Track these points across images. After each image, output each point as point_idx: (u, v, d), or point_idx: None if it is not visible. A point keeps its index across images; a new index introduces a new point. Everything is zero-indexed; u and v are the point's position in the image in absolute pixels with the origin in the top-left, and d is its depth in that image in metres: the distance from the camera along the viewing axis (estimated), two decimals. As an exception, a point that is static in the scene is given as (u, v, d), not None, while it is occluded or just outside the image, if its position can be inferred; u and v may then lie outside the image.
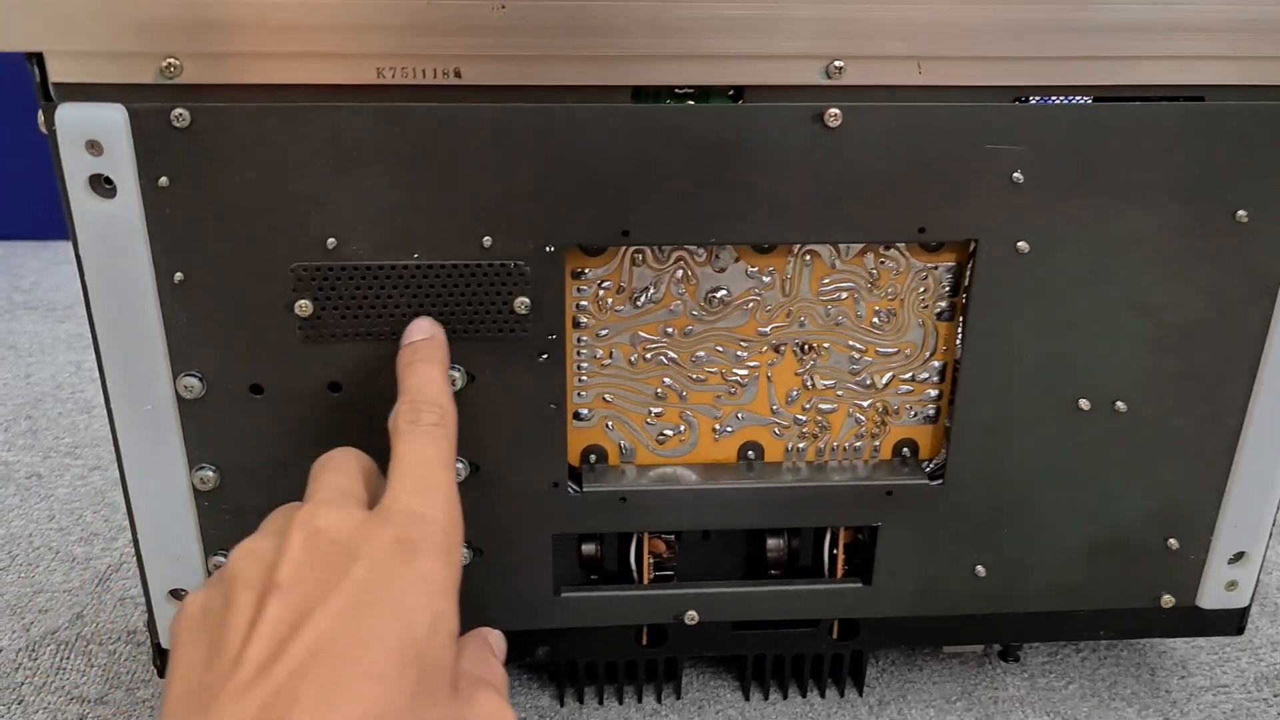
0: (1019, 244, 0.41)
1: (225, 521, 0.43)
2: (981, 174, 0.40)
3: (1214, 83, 0.39)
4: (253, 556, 0.33)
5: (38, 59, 0.36)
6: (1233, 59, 0.39)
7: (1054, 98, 0.40)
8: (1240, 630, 0.49)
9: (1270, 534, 0.47)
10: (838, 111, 0.38)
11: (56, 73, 0.36)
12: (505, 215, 0.39)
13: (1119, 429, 0.44)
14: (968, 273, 0.43)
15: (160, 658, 0.46)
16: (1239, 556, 0.47)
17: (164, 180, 0.38)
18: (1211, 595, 0.48)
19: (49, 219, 1.20)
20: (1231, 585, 0.48)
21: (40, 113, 0.37)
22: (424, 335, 0.40)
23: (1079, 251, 0.41)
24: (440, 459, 0.36)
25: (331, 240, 0.39)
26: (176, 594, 0.45)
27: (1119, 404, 0.44)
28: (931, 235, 0.41)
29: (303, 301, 0.40)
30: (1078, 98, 0.40)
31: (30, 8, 0.35)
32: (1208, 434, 0.45)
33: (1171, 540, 0.47)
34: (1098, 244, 0.41)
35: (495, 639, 0.39)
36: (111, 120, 0.37)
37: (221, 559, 0.44)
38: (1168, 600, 0.48)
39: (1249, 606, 0.49)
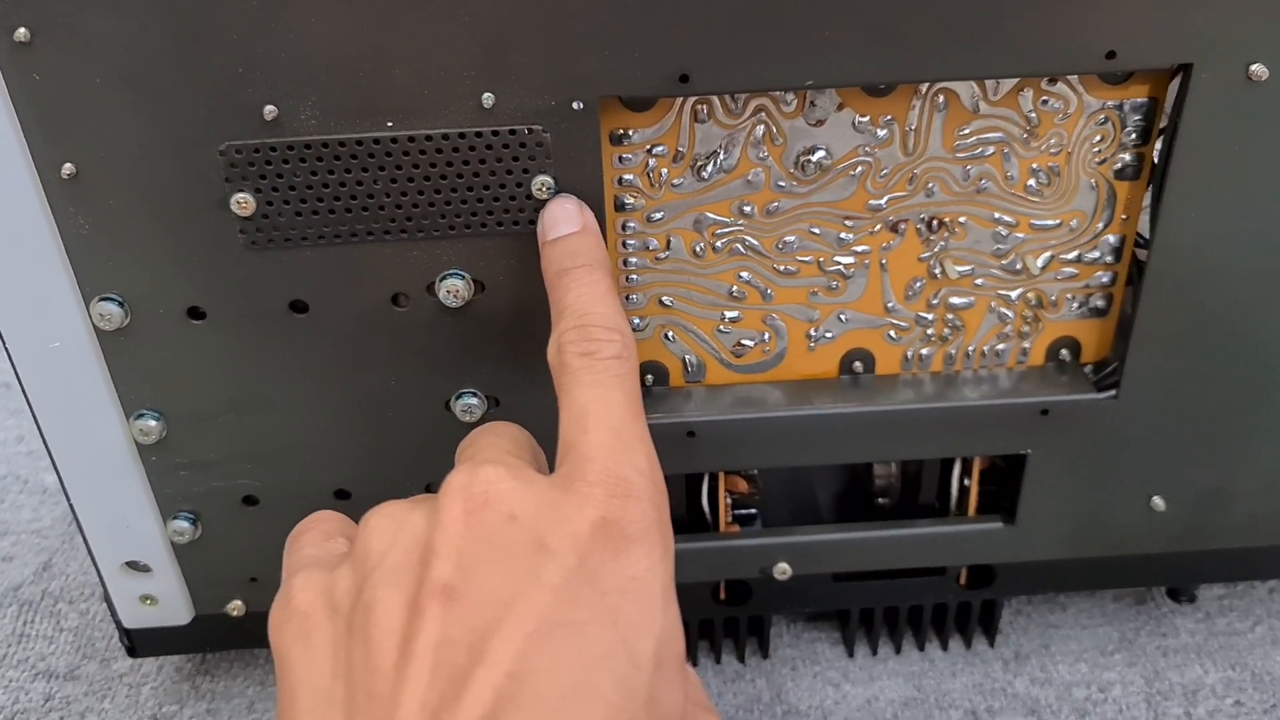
0: (1253, 67, 0.28)
1: (182, 478, 0.34)
2: (1207, -35, 0.27)
3: None
4: (396, 532, 0.23)
5: None
6: None
7: None
8: None
9: None
10: (996, -123, 0.26)
11: None
12: (511, 60, 0.27)
13: (1365, 318, 0.32)
14: (1167, 110, 0.30)
15: (129, 639, 0.37)
16: None
17: (22, 32, 0.26)
18: None
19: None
20: None
21: None
22: (573, 227, 0.29)
23: (1341, 75, 0.29)
24: (631, 404, 0.25)
25: (271, 108, 0.28)
26: (135, 565, 0.36)
27: (1370, 286, 0.32)
28: (1125, 62, 0.28)
29: (241, 195, 0.29)
30: None
31: None
32: None
33: None
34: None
35: None
36: (-69, -54, 0.25)
37: (185, 523, 0.34)
38: (1401, 530, 0.37)
39: None
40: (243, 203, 0.29)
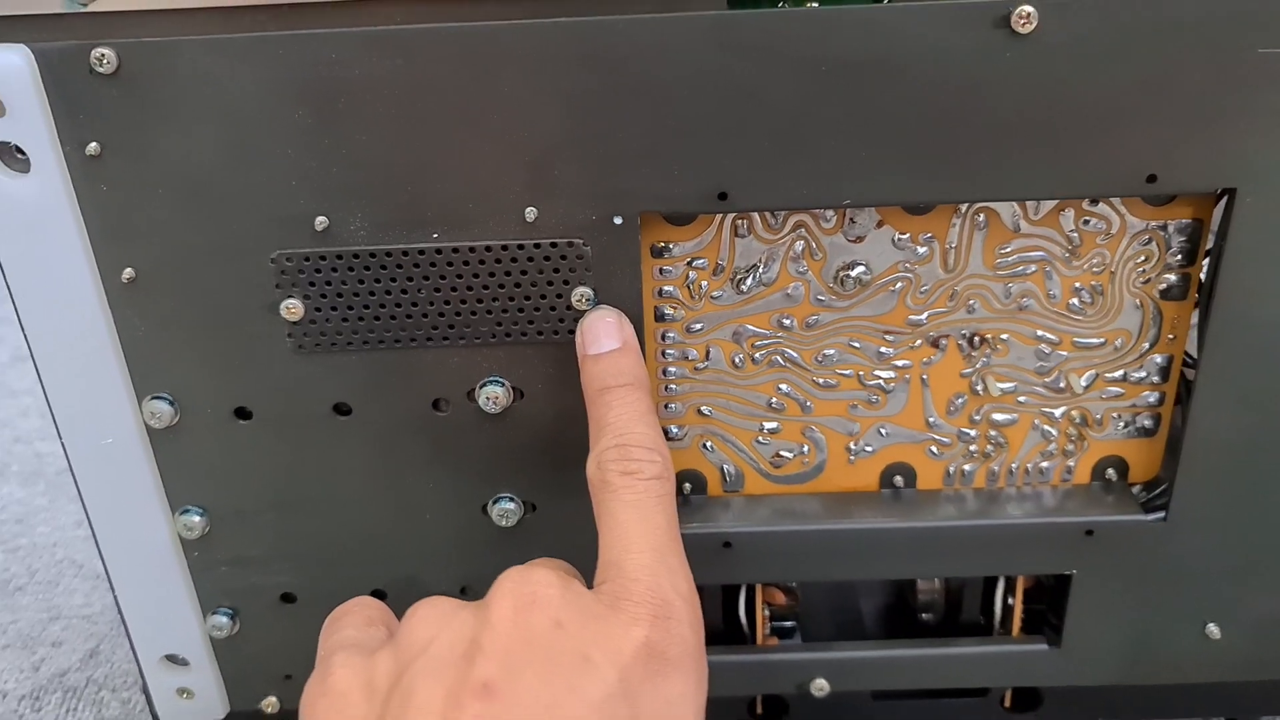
0: (1298, 192, 0.28)
1: (222, 574, 0.34)
2: (1247, 94, 0.27)
3: None
4: (442, 624, 0.24)
5: (-93, -14, 0.26)
6: None
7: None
8: None
9: None
10: (1031, 10, 0.26)
11: (-66, 4, 0.27)
12: (553, 177, 0.28)
13: None
14: (1213, 232, 0.30)
15: (162, 731, 0.38)
16: None
17: (93, 146, 0.28)
18: None
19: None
20: None
21: (-77, 60, 0.27)
22: (614, 343, 0.29)
23: (1390, 201, 0.28)
24: (671, 526, 0.26)
25: (321, 219, 0.29)
26: (174, 659, 0.36)
27: None
28: (1166, 185, 0.28)
29: (290, 301, 0.30)
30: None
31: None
32: None
33: None
34: None
35: None
36: (13, 66, 0.27)
37: (224, 618, 0.35)
38: None
39: None
40: (291, 308, 0.30)
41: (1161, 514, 0.33)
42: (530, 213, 0.29)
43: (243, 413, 0.32)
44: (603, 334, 0.29)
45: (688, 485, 0.35)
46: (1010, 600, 0.36)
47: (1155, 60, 0.27)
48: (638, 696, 0.22)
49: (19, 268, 0.29)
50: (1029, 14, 0.26)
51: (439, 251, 0.29)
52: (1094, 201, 0.30)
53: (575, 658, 0.22)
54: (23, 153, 0.28)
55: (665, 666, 0.23)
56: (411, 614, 0.24)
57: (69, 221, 0.29)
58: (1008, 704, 0.38)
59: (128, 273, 0.29)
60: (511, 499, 0.33)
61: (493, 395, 0.31)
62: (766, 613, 0.37)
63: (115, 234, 0.29)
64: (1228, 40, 0.26)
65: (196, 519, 0.33)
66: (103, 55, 0.27)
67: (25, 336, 0.30)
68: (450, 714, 0.21)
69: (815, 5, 0.27)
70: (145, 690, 0.37)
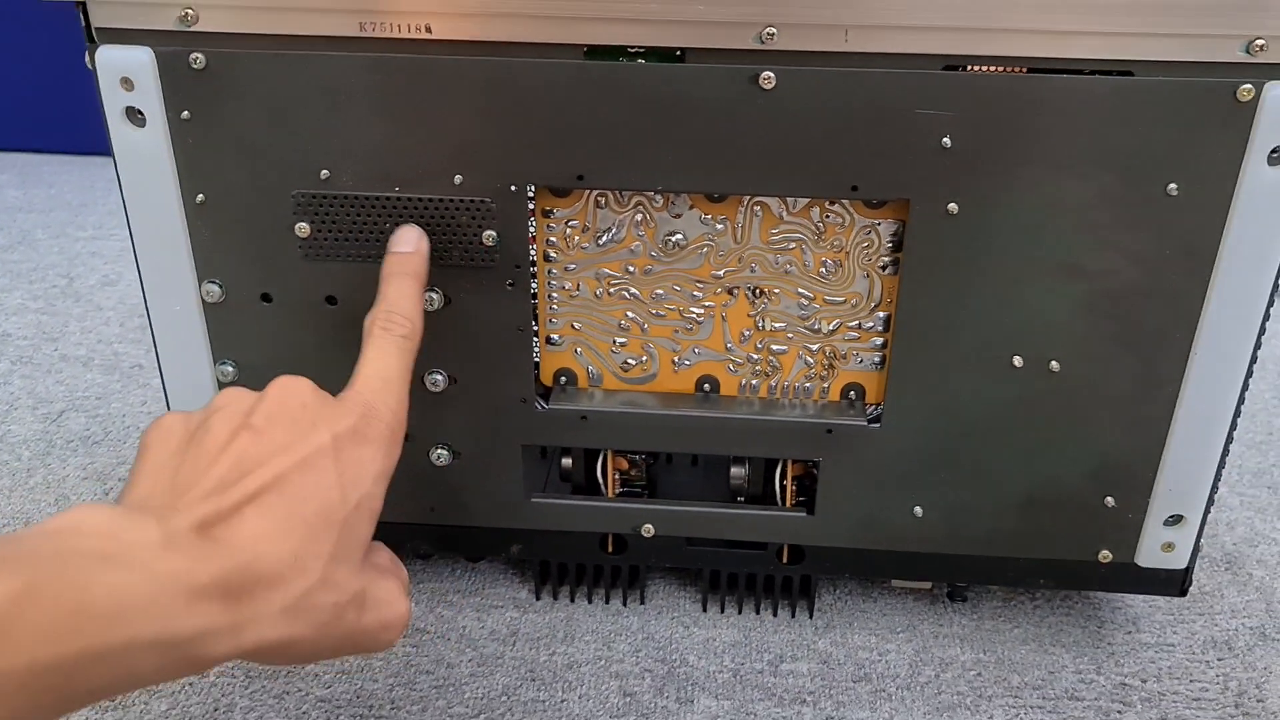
0: (949, 205, 0.43)
1: (244, 411, 0.50)
2: (911, 138, 0.42)
3: (1143, 59, 0.40)
4: (235, 399, 0.38)
5: (82, 7, 0.43)
6: (1161, 36, 0.40)
7: (991, 67, 0.42)
8: (1183, 592, 0.51)
9: (1211, 501, 0.48)
10: (771, 74, 0.41)
11: (97, 19, 0.43)
12: (473, 156, 0.44)
13: (1053, 387, 0.46)
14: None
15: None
16: (1176, 519, 0.48)
17: (185, 114, 0.44)
18: (1148, 554, 0.49)
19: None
20: (1168, 547, 0.49)
21: (86, 53, 0.44)
22: (409, 249, 0.44)
23: (1008, 216, 0.43)
24: (400, 367, 0.41)
25: (325, 172, 0.45)
26: (206, 470, 0.52)
27: (1053, 363, 0.46)
28: (864, 193, 0.43)
29: (301, 224, 0.46)
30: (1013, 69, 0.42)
31: (70, -36, 0.41)
32: (1143, 398, 0.46)
33: (1109, 498, 0.48)
34: (1028, 209, 0.43)
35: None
36: (141, 60, 0.43)
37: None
38: (1105, 555, 0.50)
39: (1189, 568, 0.50)
40: (302, 229, 0.46)
41: (878, 424, 0.48)
42: (458, 179, 0.44)
43: (266, 297, 0.48)
44: (404, 241, 0.44)
45: (564, 378, 0.50)
46: (785, 482, 0.51)
47: (852, 112, 0.42)
48: (341, 450, 0.36)
49: (133, 190, 0.45)
50: (770, 77, 0.41)
51: (399, 200, 0.45)
52: (832, 201, 0.45)
53: (309, 424, 0.36)
54: (141, 114, 0.44)
55: (364, 441, 0.37)
56: (220, 393, 0.39)
57: (166, 161, 0.45)
58: (785, 559, 0.53)
59: (199, 197, 0.46)
60: (441, 373, 0.48)
61: (430, 299, 0.46)
62: (617, 476, 0.52)
63: (193, 171, 0.45)
64: (896, 102, 0.41)
65: (229, 369, 0.49)
66: (197, 58, 0.43)
67: (131, 237, 0.47)
68: (229, 440, 0.35)
69: (642, 61, 0.43)
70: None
